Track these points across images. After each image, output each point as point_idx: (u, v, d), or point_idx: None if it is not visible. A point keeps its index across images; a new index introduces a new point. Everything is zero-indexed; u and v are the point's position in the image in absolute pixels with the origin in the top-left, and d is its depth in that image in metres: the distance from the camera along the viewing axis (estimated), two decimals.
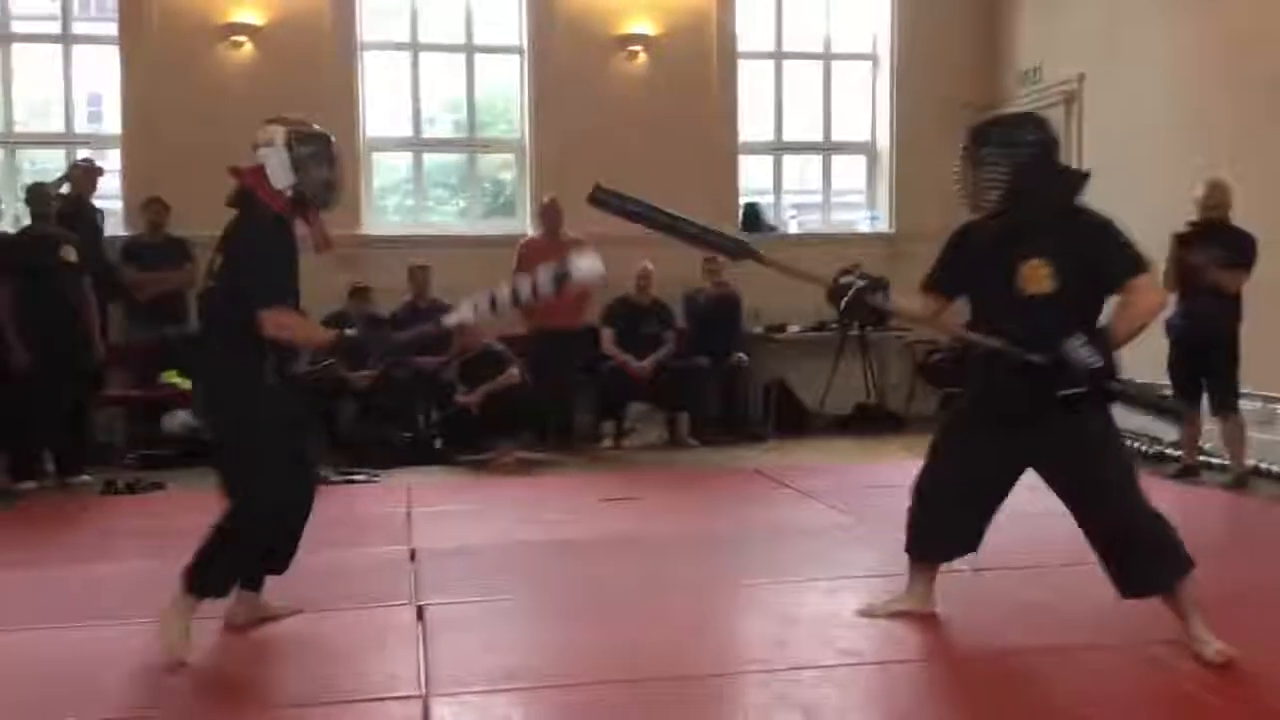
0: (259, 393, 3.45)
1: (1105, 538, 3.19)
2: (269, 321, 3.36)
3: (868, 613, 3.70)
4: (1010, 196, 3.16)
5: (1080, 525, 3.27)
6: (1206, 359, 6.25)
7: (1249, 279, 6.10)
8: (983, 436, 3.36)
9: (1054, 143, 3.31)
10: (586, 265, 3.43)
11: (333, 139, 3.65)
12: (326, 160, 3.58)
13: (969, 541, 3.57)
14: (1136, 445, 7.37)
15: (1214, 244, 6.14)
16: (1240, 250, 6.08)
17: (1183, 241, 6.28)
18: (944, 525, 3.54)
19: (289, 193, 3.53)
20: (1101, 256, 3.15)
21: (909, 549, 3.67)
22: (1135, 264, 3.15)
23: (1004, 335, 3.19)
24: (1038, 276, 3.13)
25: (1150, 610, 3.28)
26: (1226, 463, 6.45)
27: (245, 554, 3.51)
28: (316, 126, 3.66)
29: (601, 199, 3.47)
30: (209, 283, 3.57)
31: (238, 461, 3.49)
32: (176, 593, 3.40)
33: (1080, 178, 3.31)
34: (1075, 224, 3.20)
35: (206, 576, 3.42)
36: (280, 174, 3.52)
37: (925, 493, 3.57)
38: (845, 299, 3.35)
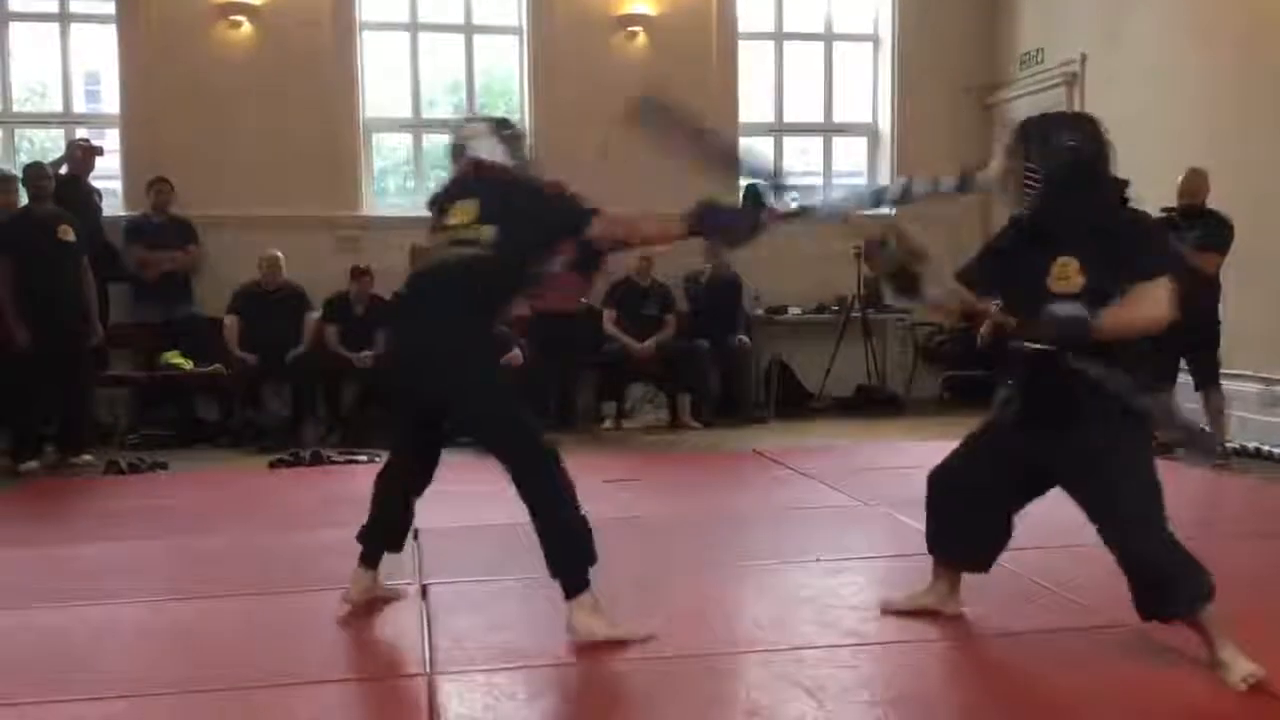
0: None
1: (1122, 559, 3.06)
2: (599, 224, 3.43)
3: (887, 606, 3.59)
4: (1048, 196, 3.05)
5: (1104, 542, 3.14)
6: (1186, 339, 6.27)
7: (1223, 261, 6.20)
8: (1008, 439, 3.27)
9: (1100, 147, 3.14)
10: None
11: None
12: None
13: (988, 549, 3.44)
14: None
15: (1194, 229, 6.26)
16: (1216, 234, 6.22)
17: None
18: (962, 526, 3.41)
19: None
20: (1131, 254, 3.04)
21: (929, 547, 3.54)
22: (1157, 268, 3.04)
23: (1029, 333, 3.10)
24: (1067, 274, 3.02)
25: None
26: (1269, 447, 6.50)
27: (573, 503, 3.36)
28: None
29: (647, 111, 3.45)
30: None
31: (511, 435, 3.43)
32: (574, 605, 3.32)
33: (1121, 184, 3.20)
34: (1113, 223, 3.09)
35: (575, 566, 3.33)
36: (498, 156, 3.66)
37: (941, 489, 3.45)
38: (889, 262, 3.27)
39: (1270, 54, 6.77)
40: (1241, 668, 2.93)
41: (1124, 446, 3.06)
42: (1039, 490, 3.31)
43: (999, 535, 3.42)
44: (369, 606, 3.66)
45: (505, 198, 3.50)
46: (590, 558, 3.32)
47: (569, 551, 3.32)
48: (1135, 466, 3.07)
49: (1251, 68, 6.91)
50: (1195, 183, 6.37)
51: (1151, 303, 3.01)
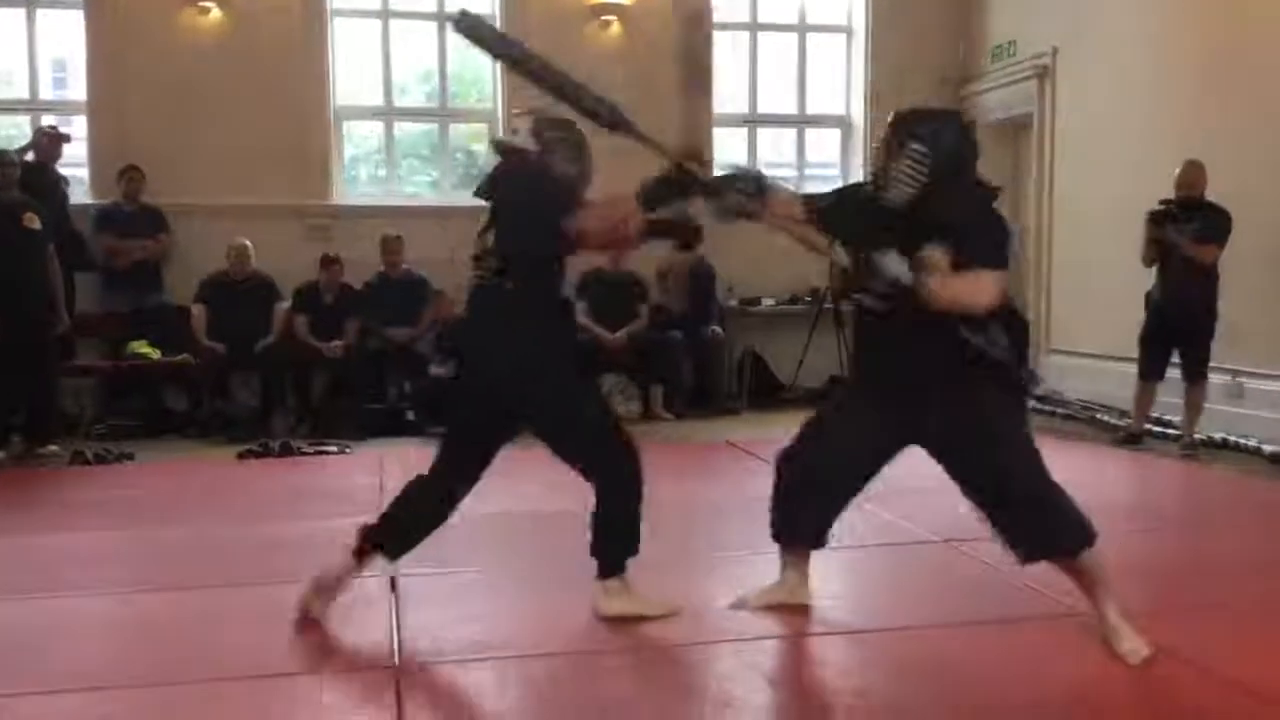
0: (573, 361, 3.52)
1: (1000, 501, 3.10)
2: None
3: (739, 604, 3.53)
4: (923, 195, 3.07)
5: (970, 494, 3.18)
6: (1182, 331, 6.42)
7: (1221, 253, 6.24)
8: (863, 410, 3.30)
9: (969, 139, 3.24)
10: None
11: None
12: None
13: (826, 525, 3.45)
14: (1106, 419, 7.47)
15: (1191, 220, 6.30)
16: (1214, 226, 6.24)
17: (1157, 219, 6.47)
18: (814, 506, 3.41)
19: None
20: (977, 242, 3.10)
21: (773, 532, 3.51)
22: (992, 259, 3.10)
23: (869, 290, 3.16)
24: (937, 263, 3.04)
25: (1119, 582, 3.30)
26: (1176, 432, 6.62)
27: (639, 512, 3.45)
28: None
29: (466, 27, 3.36)
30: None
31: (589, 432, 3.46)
32: (603, 586, 3.42)
33: (993, 190, 3.26)
34: (973, 215, 3.15)
35: (620, 554, 3.43)
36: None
37: (793, 470, 3.43)
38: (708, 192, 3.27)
39: (1238, 46, 6.83)
40: (1131, 641, 3.03)
41: (1002, 411, 3.16)
42: (890, 458, 3.35)
43: (842, 508, 3.44)
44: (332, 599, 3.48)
45: (510, 188, 3.46)
46: (636, 550, 3.43)
47: (620, 541, 3.42)
48: (1014, 428, 3.18)
49: (1219, 60, 6.96)
50: (1192, 175, 6.38)
51: (979, 287, 3.07)
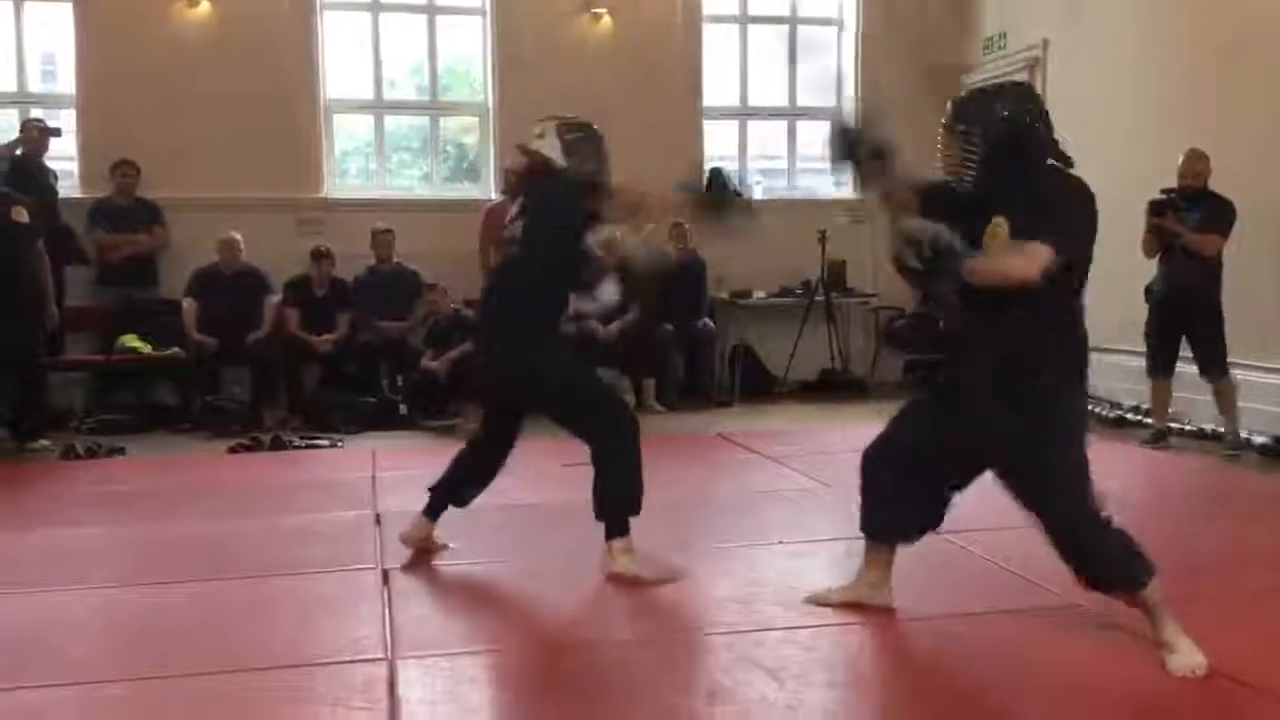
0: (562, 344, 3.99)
1: (1050, 535, 3.04)
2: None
3: (818, 599, 3.49)
4: (986, 168, 3.01)
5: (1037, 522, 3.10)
6: (1186, 323, 6.28)
7: (1224, 244, 6.12)
8: (939, 407, 3.25)
9: (1031, 112, 3.09)
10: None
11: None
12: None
13: (925, 519, 3.38)
14: (1097, 410, 7.48)
15: (1195, 210, 6.20)
16: (1217, 215, 6.13)
17: (1157, 208, 6.33)
18: (896, 500, 3.33)
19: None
20: (1038, 219, 2.94)
21: (862, 525, 3.45)
22: (1046, 233, 2.90)
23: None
24: (997, 233, 2.98)
25: None
26: (1187, 426, 6.53)
27: (639, 475, 3.80)
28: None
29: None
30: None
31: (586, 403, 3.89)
32: (611, 549, 3.76)
33: (1055, 147, 3.13)
34: (1039, 191, 3.02)
35: (622, 513, 3.78)
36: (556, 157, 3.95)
37: (876, 462, 3.37)
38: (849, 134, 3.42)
39: (1230, 38, 6.83)
40: (1187, 657, 2.93)
41: (1050, 424, 3.01)
42: (976, 465, 3.23)
43: (934, 508, 3.35)
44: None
45: (538, 191, 3.93)
46: (637, 509, 3.79)
47: (620, 503, 3.77)
48: (1062, 444, 3.02)
49: (1210, 52, 6.97)
50: (1196, 164, 6.24)
51: (1024, 259, 2.89)
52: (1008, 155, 3.03)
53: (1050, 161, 3.09)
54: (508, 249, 3.96)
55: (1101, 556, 2.98)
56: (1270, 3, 6.61)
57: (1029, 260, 2.88)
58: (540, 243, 3.83)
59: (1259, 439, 6.21)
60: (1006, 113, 3.05)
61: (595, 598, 3.68)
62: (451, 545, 4.14)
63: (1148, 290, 6.46)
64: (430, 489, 4.08)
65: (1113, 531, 2.99)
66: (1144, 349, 6.53)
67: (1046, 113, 3.13)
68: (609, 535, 3.78)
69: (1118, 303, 6.92)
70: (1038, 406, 2.99)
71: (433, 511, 4.08)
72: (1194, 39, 7.13)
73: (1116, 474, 5.62)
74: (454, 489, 4.08)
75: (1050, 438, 3.01)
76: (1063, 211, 3.00)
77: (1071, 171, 3.11)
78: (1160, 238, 6.32)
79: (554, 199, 3.88)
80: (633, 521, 3.78)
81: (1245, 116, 6.56)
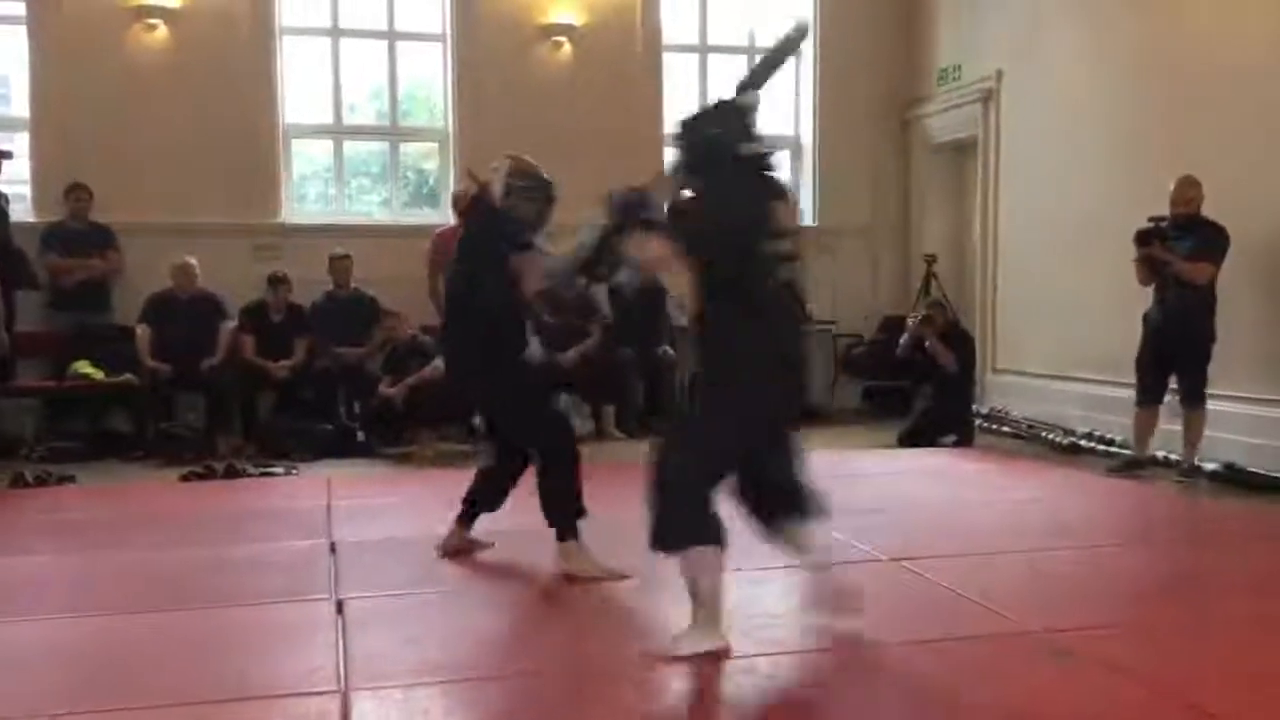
0: (524, 364, 4.21)
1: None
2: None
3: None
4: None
5: None
6: (1177, 352, 6.23)
7: (1216, 272, 6.08)
8: None
9: (738, 130, 3.59)
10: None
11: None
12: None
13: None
14: (1049, 436, 7.57)
15: (1186, 238, 6.16)
16: (1208, 243, 6.08)
17: (1144, 238, 6.29)
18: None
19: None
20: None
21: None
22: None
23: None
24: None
25: (1070, 600, 3.35)
26: (1177, 456, 6.42)
27: (577, 481, 4.18)
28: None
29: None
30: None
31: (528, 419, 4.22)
32: (562, 550, 4.09)
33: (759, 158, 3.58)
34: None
35: (569, 516, 4.10)
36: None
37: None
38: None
39: (1179, 67, 6.95)
40: (701, 638, 3.17)
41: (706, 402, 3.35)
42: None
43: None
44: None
45: (472, 221, 4.31)
46: (582, 513, 4.14)
47: (565, 506, 4.10)
48: (700, 421, 3.35)
49: (1160, 81, 7.09)
50: (1188, 191, 6.19)
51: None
52: (710, 169, 3.58)
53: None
54: (453, 274, 4.33)
55: (676, 513, 3.20)
56: (1219, 33, 6.74)
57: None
58: (476, 272, 4.15)
59: (1209, 465, 6.25)
60: (715, 131, 3.62)
61: (552, 627, 3.66)
62: (494, 544, 4.46)
63: (1145, 317, 6.39)
64: (462, 500, 4.45)
65: (685, 493, 3.19)
66: (1095, 376, 6.56)
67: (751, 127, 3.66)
68: (560, 538, 4.10)
69: (1070, 331, 7.03)
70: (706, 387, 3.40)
71: (468, 519, 4.44)
72: (1143, 70, 7.27)
73: (1078, 505, 5.74)
74: (482, 500, 4.44)
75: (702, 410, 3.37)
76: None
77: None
78: (1150, 267, 6.26)
79: (482, 232, 4.23)
80: (596, 548, 3.88)
81: (1199, 146, 6.64)
